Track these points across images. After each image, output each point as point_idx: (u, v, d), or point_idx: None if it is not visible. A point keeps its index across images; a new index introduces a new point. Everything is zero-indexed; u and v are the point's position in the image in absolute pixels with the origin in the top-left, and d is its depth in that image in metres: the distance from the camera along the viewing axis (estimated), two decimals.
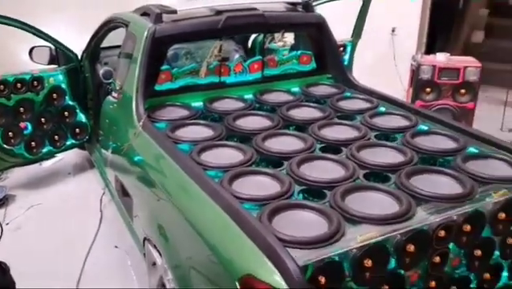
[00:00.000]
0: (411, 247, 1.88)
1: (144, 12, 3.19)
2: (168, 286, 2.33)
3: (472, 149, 2.56)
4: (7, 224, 3.61)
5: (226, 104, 3.15)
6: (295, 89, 3.46)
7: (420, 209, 2.01)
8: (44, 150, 3.98)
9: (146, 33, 2.95)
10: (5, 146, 3.71)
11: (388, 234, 1.84)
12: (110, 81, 3.89)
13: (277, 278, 1.60)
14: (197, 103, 3.16)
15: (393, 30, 5.73)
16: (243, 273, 1.66)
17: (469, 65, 4.78)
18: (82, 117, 4.11)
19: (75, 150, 4.43)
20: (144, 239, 2.62)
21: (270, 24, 3.31)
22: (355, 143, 2.55)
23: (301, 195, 2.15)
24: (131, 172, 2.76)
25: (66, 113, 4.02)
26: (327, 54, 3.61)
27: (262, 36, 3.96)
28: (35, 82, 3.78)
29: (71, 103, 4.03)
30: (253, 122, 2.86)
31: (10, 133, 3.72)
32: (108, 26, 3.69)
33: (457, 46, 6.98)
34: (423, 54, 5.18)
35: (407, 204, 1.98)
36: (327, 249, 1.74)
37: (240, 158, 2.40)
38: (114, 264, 3.17)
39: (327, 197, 2.07)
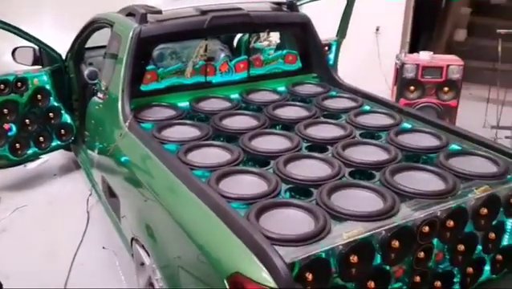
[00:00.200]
0: (396, 243, 1.91)
1: (129, 12, 3.19)
2: (156, 286, 2.34)
3: (454, 146, 2.61)
4: None
5: (212, 104, 3.16)
6: (281, 88, 3.48)
7: (404, 205, 2.05)
8: (29, 152, 3.95)
9: (131, 33, 2.95)
10: None
11: (373, 231, 1.88)
12: (95, 81, 3.87)
13: (265, 276, 1.62)
14: (183, 103, 3.17)
15: (377, 29, 5.78)
16: (232, 271, 1.68)
17: (452, 63, 4.85)
18: (67, 118, 4.09)
19: (61, 151, 4.40)
20: (132, 239, 2.62)
21: (255, 24, 3.33)
22: (340, 141, 2.58)
23: (288, 193, 2.17)
24: (117, 173, 2.76)
25: (51, 114, 3.99)
26: (312, 54, 3.64)
27: (247, 36, 3.98)
28: (19, 83, 3.75)
29: (55, 104, 4.01)
30: (240, 121, 2.88)
31: None
32: (93, 27, 3.67)
33: (440, 45, 7.07)
34: (406, 53, 5.24)
35: (391, 201, 2.02)
36: (314, 246, 1.77)
37: (227, 158, 2.42)
38: (102, 265, 3.17)
39: (314, 195, 2.10)
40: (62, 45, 4.02)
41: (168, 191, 2.23)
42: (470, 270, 2.29)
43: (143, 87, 3.13)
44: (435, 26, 7.12)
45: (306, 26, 3.54)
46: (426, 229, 1.99)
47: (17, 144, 3.83)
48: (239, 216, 1.86)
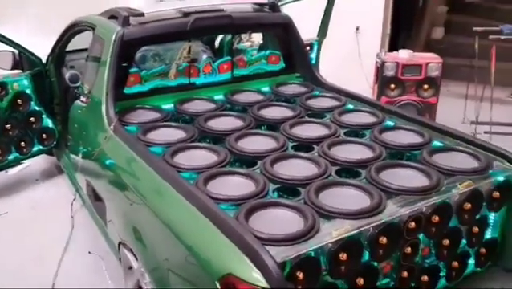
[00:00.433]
0: (383, 239, 1.95)
1: (111, 15, 3.16)
2: None
3: (437, 143, 2.66)
4: None
5: (197, 106, 3.16)
6: (265, 89, 3.50)
7: (390, 202, 2.08)
8: (10, 157, 3.89)
9: (114, 36, 2.93)
10: None
11: (361, 228, 1.91)
12: (77, 85, 3.84)
13: (257, 276, 1.63)
14: (168, 105, 3.16)
15: (357, 29, 5.84)
16: (223, 272, 1.69)
17: (431, 61, 4.93)
18: (49, 122, 4.04)
19: (43, 156, 4.33)
20: (120, 243, 2.60)
21: (237, 25, 3.34)
22: (325, 140, 2.61)
23: (276, 193, 2.19)
24: (103, 177, 2.74)
25: (32, 119, 3.93)
26: (294, 54, 3.67)
27: (229, 37, 3.99)
28: None
29: (37, 108, 3.95)
30: (225, 122, 2.89)
31: None
32: (74, 30, 3.63)
33: (419, 43, 7.17)
34: (386, 52, 5.31)
35: (378, 198, 2.05)
36: (304, 245, 1.79)
37: (214, 159, 2.42)
38: (88, 270, 3.13)
39: (302, 195, 2.12)
40: (46, 46, 3.95)
41: (155, 194, 2.23)
42: (455, 263, 2.34)
43: (126, 90, 3.11)
44: (413, 24, 7.23)
45: (288, 27, 3.57)
46: (412, 224, 2.03)
47: None
48: (229, 217, 1.87)
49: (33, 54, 3.90)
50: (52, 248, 3.31)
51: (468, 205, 2.20)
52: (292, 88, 3.52)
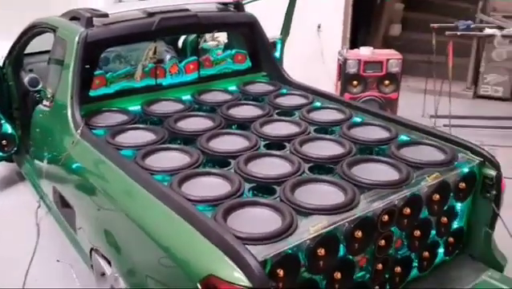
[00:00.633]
0: (359, 233, 1.99)
1: (73, 16, 3.09)
2: None
3: (403, 137, 2.73)
4: None
5: (165, 107, 3.12)
6: (232, 88, 3.50)
7: (363, 196, 2.12)
8: None
9: (77, 38, 2.86)
10: None
11: (337, 223, 1.94)
12: (37, 89, 3.73)
13: (239, 276, 1.63)
14: (135, 107, 3.11)
15: (319, 27, 5.92)
16: (205, 274, 1.68)
17: (391, 57, 5.06)
18: (8, 128, 3.89)
19: (2, 163, 4.18)
20: (91, 250, 2.55)
21: (203, 24, 3.32)
22: (297, 138, 2.63)
23: (251, 192, 2.19)
24: (72, 183, 2.66)
25: None
26: (260, 53, 3.68)
27: (192, 36, 3.96)
28: None
29: None
30: (195, 123, 2.86)
31: None
32: (33, 32, 3.51)
33: (377, 40, 7.34)
34: (348, 49, 5.40)
35: (352, 193, 2.09)
36: (283, 242, 1.80)
37: (186, 160, 2.40)
38: (57, 278, 3.06)
39: (277, 193, 2.13)
40: (3, 48, 3.81)
41: (130, 197, 2.19)
42: (426, 254, 2.42)
43: (92, 93, 3.04)
44: (372, 21, 7.39)
45: (253, 26, 3.58)
46: (386, 218, 2.08)
47: None
48: (207, 218, 1.86)
49: None
50: (18, 257, 3.20)
51: (437, 197, 2.27)
52: (259, 87, 3.53)
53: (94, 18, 2.94)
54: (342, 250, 1.99)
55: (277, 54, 4.19)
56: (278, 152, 2.48)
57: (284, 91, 3.46)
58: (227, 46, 3.81)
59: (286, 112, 3.09)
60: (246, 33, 3.62)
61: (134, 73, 3.22)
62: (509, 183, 2.52)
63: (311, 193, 2.12)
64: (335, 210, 1.99)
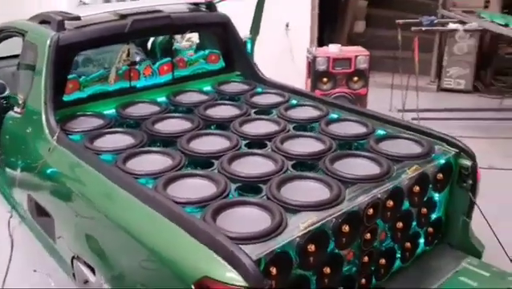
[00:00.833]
0: (346, 228, 2.03)
1: (43, 20, 3.00)
2: None
3: (380, 131, 2.79)
4: None
5: (141, 109, 3.08)
6: (207, 88, 3.48)
7: (348, 191, 2.16)
8: None
9: (49, 41, 2.79)
10: None
11: (326, 219, 1.96)
12: (4, 95, 3.60)
13: (234, 276, 1.64)
14: (110, 111, 3.06)
15: (287, 25, 5.97)
16: (198, 276, 1.68)
17: (359, 54, 5.17)
18: None
19: None
20: (73, 258, 2.49)
21: (176, 25, 3.30)
22: (277, 136, 2.65)
23: (237, 192, 2.19)
24: (50, 190, 2.59)
25: None
26: (234, 52, 3.68)
27: (161, 38, 3.90)
28: None
29: None
30: (173, 125, 2.84)
31: None
32: None
33: (343, 37, 7.46)
34: (317, 47, 5.47)
35: (337, 188, 2.12)
36: (275, 240, 1.81)
37: (169, 163, 2.38)
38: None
39: (263, 191, 2.14)
40: None
41: (114, 203, 2.15)
42: (408, 245, 2.48)
43: (65, 98, 2.96)
44: (337, 19, 7.50)
45: (226, 26, 3.58)
46: (371, 211, 2.13)
47: None
48: (197, 219, 1.86)
49: None
50: None
51: (417, 188, 2.34)
52: (234, 86, 3.53)
53: (65, 21, 2.87)
54: (331, 245, 2.02)
55: None
56: (261, 151, 2.49)
57: (259, 89, 3.47)
58: (199, 47, 3.80)
59: (264, 111, 3.10)
60: (220, 33, 3.61)
61: (108, 76, 3.16)
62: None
63: (297, 190, 2.14)
64: (322, 206, 2.02)
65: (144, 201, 1.99)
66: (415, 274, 2.46)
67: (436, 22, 5.39)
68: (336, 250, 2.07)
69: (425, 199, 2.45)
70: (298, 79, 5.64)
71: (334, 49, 5.21)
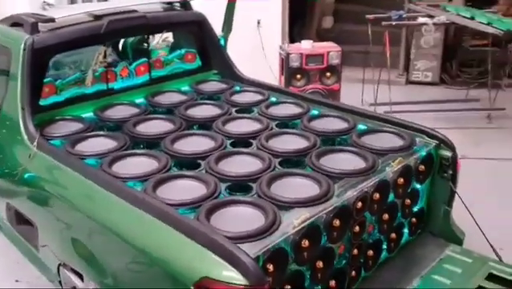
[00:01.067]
0: (337, 222, 2.06)
1: (15, 22, 2.92)
2: None
3: (361, 126, 2.84)
4: None
5: (120, 111, 3.03)
6: (185, 88, 3.46)
7: (336, 186, 2.19)
8: None
9: (23, 45, 2.71)
10: None
11: (318, 214, 1.99)
12: None
13: (234, 275, 1.64)
14: (88, 114, 3.00)
15: (258, 23, 5.98)
16: (198, 277, 1.67)
17: (331, 50, 5.23)
18: None
19: None
20: (59, 265, 2.44)
21: (152, 25, 3.26)
22: (261, 134, 2.66)
23: (227, 191, 2.19)
24: (32, 198, 2.53)
25: None
26: (210, 51, 3.67)
27: (132, 39, 3.83)
28: None
29: None
30: (155, 126, 2.81)
31: None
32: None
33: (312, 33, 7.52)
34: (289, 44, 5.50)
35: (326, 184, 2.16)
36: (270, 238, 1.83)
37: (155, 165, 2.35)
38: None
39: (254, 190, 2.15)
40: None
41: (104, 208, 2.10)
42: (393, 235, 2.54)
43: (42, 102, 2.88)
44: (306, 14, 7.55)
45: (202, 24, 3.56)
46: (360, 205, 2.17)
47: None
48: (192, 221, 1.85)
49: None
50: None
51: (401, 180, 2.40)
52: (212, 85, 3.51)
53: (39, 24, 2.79)
54: (323, 240, 2.05)
55: None
56: (247, 150, 2.49)
57: (238, 88, 3.47)
58: (174, 46, 3.76)
59: (245, 109, 3.10)
60: (196, 31, 3.59)
61: (84, 79, 3.09)
62: None
63: (287, 187, 2.16)
64: (313, 202, 2.04)
65: (136, 205, 1.97)
66: (401, 263, 2.52)
67: (404, 16, 5.51)
68: (328, 244, 2.10)
69: (409, 190, 2.51)
70: (271, 76, 5.67)
71: (306, 45, 5.26)
